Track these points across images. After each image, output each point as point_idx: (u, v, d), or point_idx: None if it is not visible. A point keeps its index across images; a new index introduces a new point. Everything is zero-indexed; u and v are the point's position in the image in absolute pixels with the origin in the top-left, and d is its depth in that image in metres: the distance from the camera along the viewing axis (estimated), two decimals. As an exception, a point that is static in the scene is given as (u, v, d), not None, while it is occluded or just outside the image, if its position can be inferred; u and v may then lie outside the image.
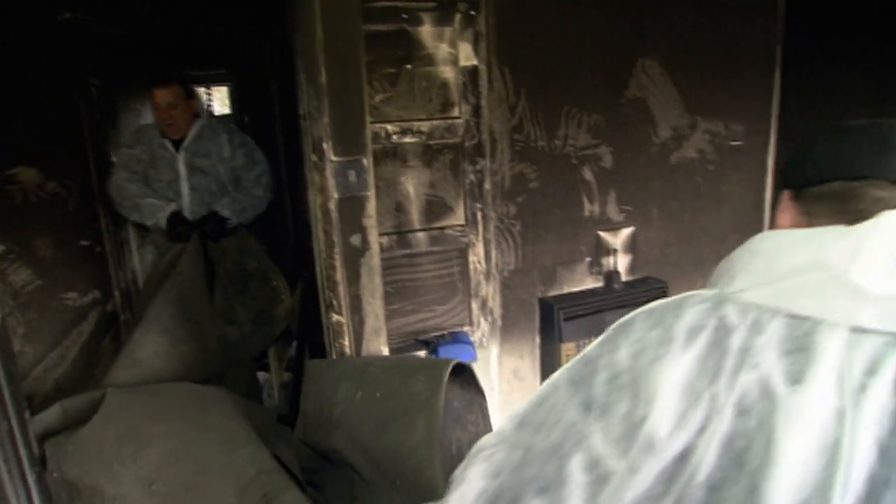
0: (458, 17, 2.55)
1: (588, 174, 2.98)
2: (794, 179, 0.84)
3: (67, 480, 1.77)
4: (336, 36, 1.85)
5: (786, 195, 0.86)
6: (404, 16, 2.46)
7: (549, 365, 3.01)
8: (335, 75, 1.89)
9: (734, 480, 0.59)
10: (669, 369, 0.68)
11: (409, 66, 2.51)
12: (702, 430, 0.63)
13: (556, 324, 2.89)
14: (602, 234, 3.09)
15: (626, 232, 3.14)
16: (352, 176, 2.02)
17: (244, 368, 2.91)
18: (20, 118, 2.88)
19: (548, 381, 0.85)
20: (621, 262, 3.14)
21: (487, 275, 2.84)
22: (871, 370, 0.60)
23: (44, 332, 3.00)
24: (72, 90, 3.11)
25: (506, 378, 3.02)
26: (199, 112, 3.04)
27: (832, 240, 0.68)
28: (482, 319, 2.87)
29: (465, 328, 2.81)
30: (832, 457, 0.56)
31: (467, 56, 2.60)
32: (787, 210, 0.84)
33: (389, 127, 2.49)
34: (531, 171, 2.85)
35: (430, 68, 2.55)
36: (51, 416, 1.92)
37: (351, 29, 1.91)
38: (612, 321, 2.74)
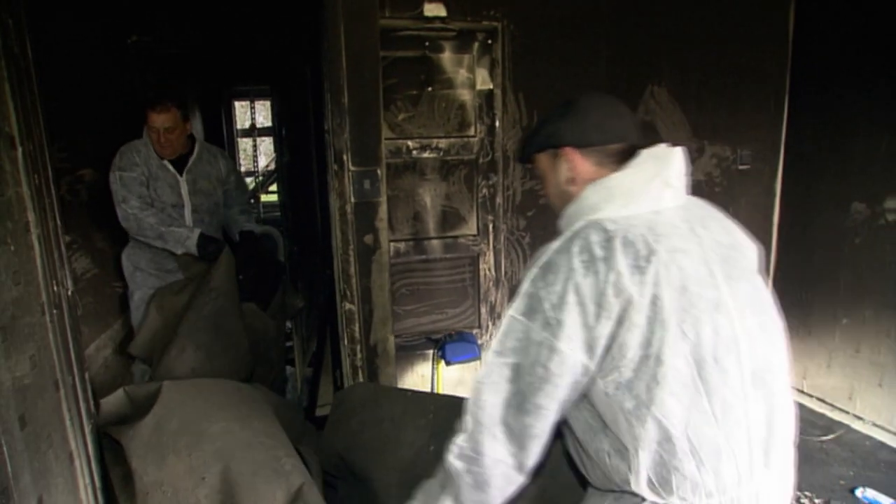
0: (476, 45, 2.82)
1: (596, 192, 3.18)
2: (579, 140, 1.22)
3: (122, 462, 2.02)
4: (358, 65, 2.13)
5: (570, 151, 1.23)
6: (427, 43, 2.74)
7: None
8: (356, 98, 2.18)
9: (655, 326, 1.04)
10: (587, 283, 1.05)
11: (429, 89, 2.78)
12: (620, 319, 1.04)
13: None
14: (608, 248, 3.28)
15: (632, 247, 3.32)
16: (367, 184, 2.30)
17: (275, 365, 3.10)
18: (91, 125, 3.21)
19: (505, 322, 1.13)
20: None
21: (497, 282, 3.06)
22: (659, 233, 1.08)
23: (97, 315, 3.34)
24: (136, 102, 3.47)
25: (512, 380, 3.22)
26: (192, 133, 3.02)
27: (651, 171, 1.16)
28: (490, 323, 3.09)
29: (474, 331, 3.03)
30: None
31: (484, 80, 2.86)
32: (581, 161, 1.23)
33: (410, 143, 2.76)
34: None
35: (449, 91, 2.81)
36: (116, 398, 2.14)
37: (370, 59, 2.19)
38: None
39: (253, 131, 7.45)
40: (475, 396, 1.14)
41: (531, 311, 1.08)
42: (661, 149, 1.23)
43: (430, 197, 2.85)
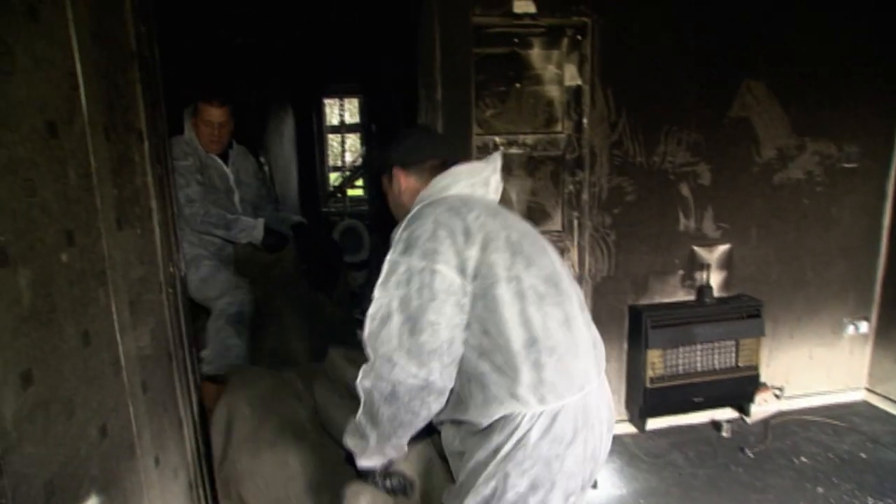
0: (565, 41, 2.81)
1: (685, 190, 3.11)
2: (402, 162, 1.58)
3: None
4: (451, 62, 2.19)
5: (397, 170, 1.59)
6: (516, 40, 2.76)
7: (633, 370, 3.15)
8: (449, 93, 2.23)
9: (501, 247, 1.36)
10: (454, 221, 1.36)
11: (518, 85, 2.80)
12: (483, 245, 1.34)
13: (643, 331, 3.03)
14: (697, 248, 3.19)
15: (722, 248, 3.22)
16: None
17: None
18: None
19: (386, 265, 1.37)
20: (715, 278, 3.22)
21: (580, 279, 3.04)
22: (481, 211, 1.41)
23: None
24: (237, 101, 3.72)
25: (592, 378, 3.19)
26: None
27: (476, 170, 1.52)
28: (572, 320, 3.08)
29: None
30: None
31: (572, 76, 2.85)
32: (405, 178, 1.58)
33: (497, 139, 2.80)
34: (628, 184, 3.02)
35: (537, 87, 2.82)
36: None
37: (464, 56, 2.24)
38: (701, 333, 2.91)
39: (341, 128, 7.72)
40: (370, 330, 1.34)
41: (409, 248, 1.34)
42: (473, 163, 1.58)
43: (515, 192, 2.88)
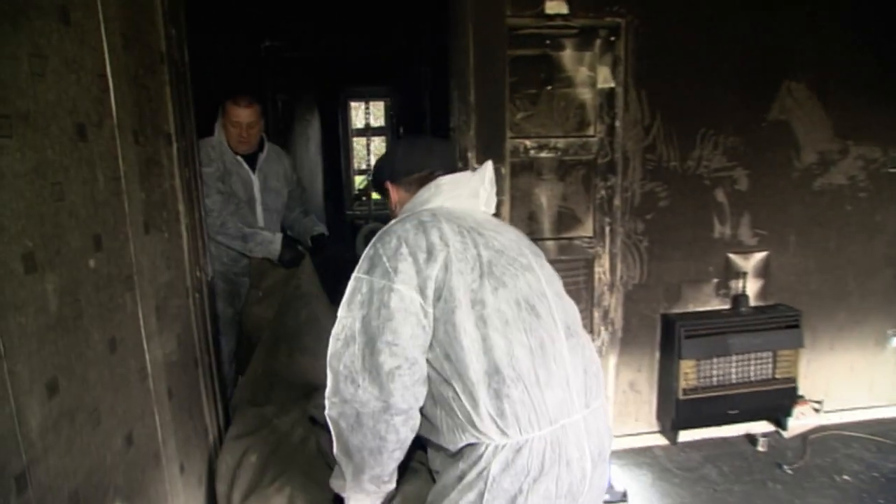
0: (598, 42, 2.75)
1: (721, 196, 3.01)
2: (391, 176, 1.56)
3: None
4: (485, 62, 2.14)
5: (388, 183, 1.57)
6: (547, 41, 2.70)
7: (665, 380, 3.06)
8: (482, 95, 2.18)
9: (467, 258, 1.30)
10: (417, 238, 1.30)
11: (549, 88, 2.74)
12: (446, 265, 1.27)
13: (677, 341, 2.94)
14: (732, 256, 3.09)
15: (759, 256, 3.11)
16: None
17: None
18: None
19: (350, 284, 1.32)
20: (751, 287, 3.11)
21: (611, 286, 2.97)
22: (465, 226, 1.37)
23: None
24: (266, 104, 3.74)
25: (622, 389, 3.12)
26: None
27: (460, 181, 1.48)
28: (603, 329, 3.00)
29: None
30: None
31: (605, 78, 2.78)
32: (396, 191, 1.56)
33: (528, 142, 2.74)
34: (662, 189, 2.94)
35: (568, 89, 2.76)
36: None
37: (498, 57, 2.19)
38: (736, 344, 2.82)
39: (367, 131, 7.73)
40: (332, 351, 1.29)
41: (372, 266, 1.30)
42: (458, 174, 1.53)
43: (546, 197, 2.82)
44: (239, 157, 2.84)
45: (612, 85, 2.79)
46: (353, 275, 1.33)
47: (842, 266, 3.19)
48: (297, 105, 4.45)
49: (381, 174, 1.60)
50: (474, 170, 1.52)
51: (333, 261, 3.11)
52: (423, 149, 1.58)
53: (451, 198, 1.45)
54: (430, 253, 1.28)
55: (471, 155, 2.28)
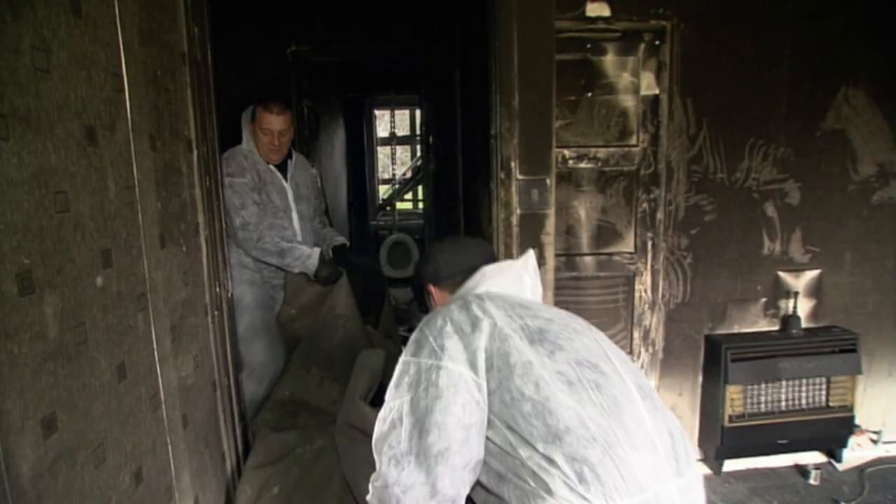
0: (642, 46, 2.59)
1: (770, 210, 2.82)
2: (434, 279, 1.55)
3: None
4: (530, 64, 2.00)
5: (430, 287, 1.56)
6: (588, 45, 2.55)
7: (709, 406, 2.86)
8: (527, 100, 2.03)
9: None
10: (461, 315, 1.26)
11: (589, 94, 2.59)
12: (491, 336, 1.20)
13: (722, 364, 2.75)
14: (782, 274, 2.89)
15: (811, 275, 2.91)
16: (535, 195, 2.15)
17: None
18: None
19: (398, 367, 1.25)
20: (802, 307, 2.90)
21: (653, 305, 2.79)
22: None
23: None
24: (293, 111, 3.63)
25: (663, 414, 2.92)
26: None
27: (502, 269, 1.43)
28: (643, 350, 2.82)
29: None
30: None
31: (649, 85, 2.62)
32: (438, 293, 1.55)
33: (566, 152, 2.58)
34: (707, 203, 2.76)
35: (610, 96, 2.60)
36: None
37: (545, 58, 2.04)
38: (787, 368, 2.59)
39: (392, 140, 7.63)
40: (379, 433, 1.21)
41: (419, 348, 1.24)
42: (501, 262, 1.50)
43: (584, 210, 2.66)
44: (271, 167, 2.72)
45: (657, 92, 2.63)
46: (401, 358, 1.27)
47: (901, 286, 2.97)
48: (322, 113, 4.34)
49: (423, 278, 1.59)
50: (517, 259, 1.49)
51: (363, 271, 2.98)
52: (464, 248, 1.59)
53: (496, 284, 1.41)
54: (475, 325, 1.23)
55: (513, 164, 2.13)
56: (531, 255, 1.49)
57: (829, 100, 2.77)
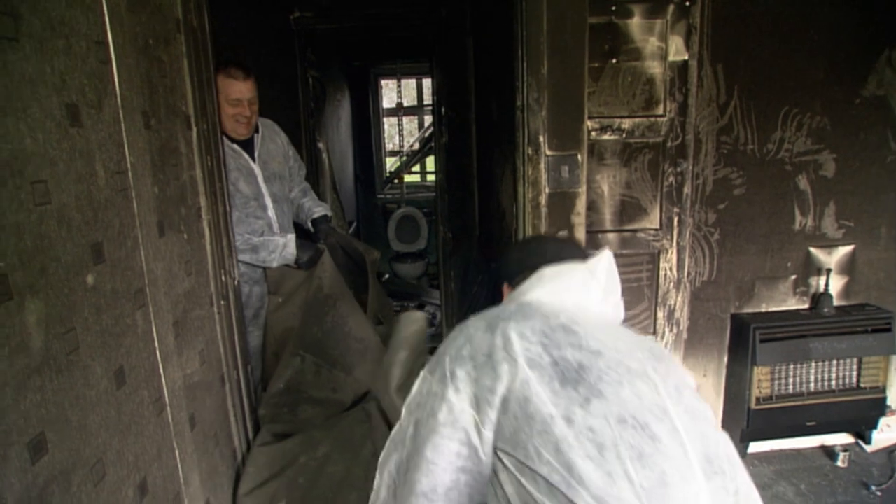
0: (671, 8, 2.41)
1: (804, 183, 2.67)
2: (506, 276, 1.34)
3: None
4: (560, 27, 1.83)
5: (504, 285, 1.35)
6: (613, 7, 2.37)
7: (735, 387, 2.76)
8: (557, 67, 1.87)
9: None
10: (483, 337, 1.05)
11: (613, 61, 2.42)
12: (512, 376, 0.97)
13: (750, 344, 2.63)
14: (814, 250, 2.75)
15: (845, 250, 2.77)
16: (564, 171, 2.00)
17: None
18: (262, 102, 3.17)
19: (417, 381, 1.10)
20: (834, 284, 2.77)
21: (678, 283, 2.66)
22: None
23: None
24: (297, 81, 3.48)
25: (686, 395, 2.82)
26: None
27: (561, 273, 1.18)
28: (667, 329, 2.71)
29: (648, 337, 2.67)
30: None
31: (677, 50, 2.45)
32: (506, 294, 1.32)
33: (589, 123, 2.41)
34: (737, 176, 2.61)
35: (635, 63, 2.44)
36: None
37: (576, 21, 1.87)
38: (818, 349, 2.44)
39: (399, 110, 7.42)
40: (385, 453, 1.13)
41: (435, 366, 1.08)
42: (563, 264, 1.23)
43: (607, 185, 2.51)
44: (235, 146, 2.37)
45: (686, 58, 2.46)
46: (423, 371, 1.12)
47: (939, 261, 2.83)
48: (328, 83, 4.17)
49: (499, 276, 1.42)
50: (584, 260, 1.21)
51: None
52: (536, 246, 1.40)
53: (552, 291, 1.15)
54: (490, 355, 1.01)
55: (542, 139, 1.98)
56: (606, 256, 1.20)
57: (871, 64, 2.59)
